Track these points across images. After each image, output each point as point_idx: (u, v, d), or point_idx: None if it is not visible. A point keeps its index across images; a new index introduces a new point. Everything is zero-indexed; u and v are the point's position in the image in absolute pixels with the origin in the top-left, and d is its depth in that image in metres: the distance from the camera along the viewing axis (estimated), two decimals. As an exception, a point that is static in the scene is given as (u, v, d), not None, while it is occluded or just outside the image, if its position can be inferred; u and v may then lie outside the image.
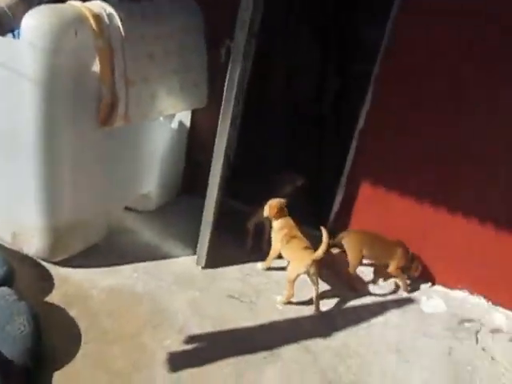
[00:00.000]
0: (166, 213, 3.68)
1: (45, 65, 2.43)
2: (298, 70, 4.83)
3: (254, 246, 3.52)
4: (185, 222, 3.62)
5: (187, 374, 2.49)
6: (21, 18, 2.45)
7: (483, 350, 3.09)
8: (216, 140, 2.91)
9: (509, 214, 3.29)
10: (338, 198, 3.70)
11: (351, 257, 3.36)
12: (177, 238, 3.46)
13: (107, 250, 3.18)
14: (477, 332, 3.23)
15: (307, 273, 2.97)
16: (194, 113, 3.52)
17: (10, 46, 2.57)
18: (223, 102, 2.82)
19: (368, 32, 4.31)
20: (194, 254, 3.30)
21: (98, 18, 2.53)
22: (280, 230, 3.14)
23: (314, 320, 3.05)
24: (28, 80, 2.47)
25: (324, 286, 3.28)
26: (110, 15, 2.59)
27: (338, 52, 5.04)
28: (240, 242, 3.53)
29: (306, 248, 3.04)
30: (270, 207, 3.14)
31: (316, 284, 3.02)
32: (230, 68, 2.74)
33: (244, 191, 3.68)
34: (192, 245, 3.34)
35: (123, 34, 2.62)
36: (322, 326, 3.02)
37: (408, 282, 3.46)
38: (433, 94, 3.23)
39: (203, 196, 3.88)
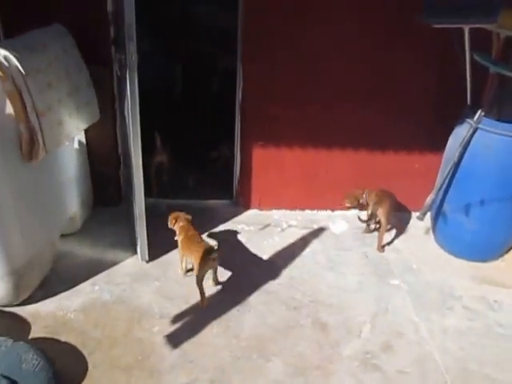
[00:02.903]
0: (91, 227, 3.84)
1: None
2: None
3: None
4: (111, 230, 3.85)
5: (187, 344, 2.87)
6: None
7: (388, 245, 3.93)
8: (132, 147, 3.16)
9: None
10: (237, 166, 4.23)
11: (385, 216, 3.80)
12: (112, 245, 3.68)
13: (58, 277, 3.30)
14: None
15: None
16: (86, 130, 3.69)
17: None
18: (130, 113, 3.06)
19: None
20: (134, 253, 3.59)
21: (-1, 63, 2.64)
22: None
23: (260, 269, 3.58)
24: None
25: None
26: (6, 57, 2.70)
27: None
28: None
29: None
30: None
31: None
32: (128, 78, 3.00)
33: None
34: (127, 246, 3.66)
35: (23, 71, 2.75)
36: (268, 270, 3.57)
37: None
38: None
39: (112, 203, 4.15)
